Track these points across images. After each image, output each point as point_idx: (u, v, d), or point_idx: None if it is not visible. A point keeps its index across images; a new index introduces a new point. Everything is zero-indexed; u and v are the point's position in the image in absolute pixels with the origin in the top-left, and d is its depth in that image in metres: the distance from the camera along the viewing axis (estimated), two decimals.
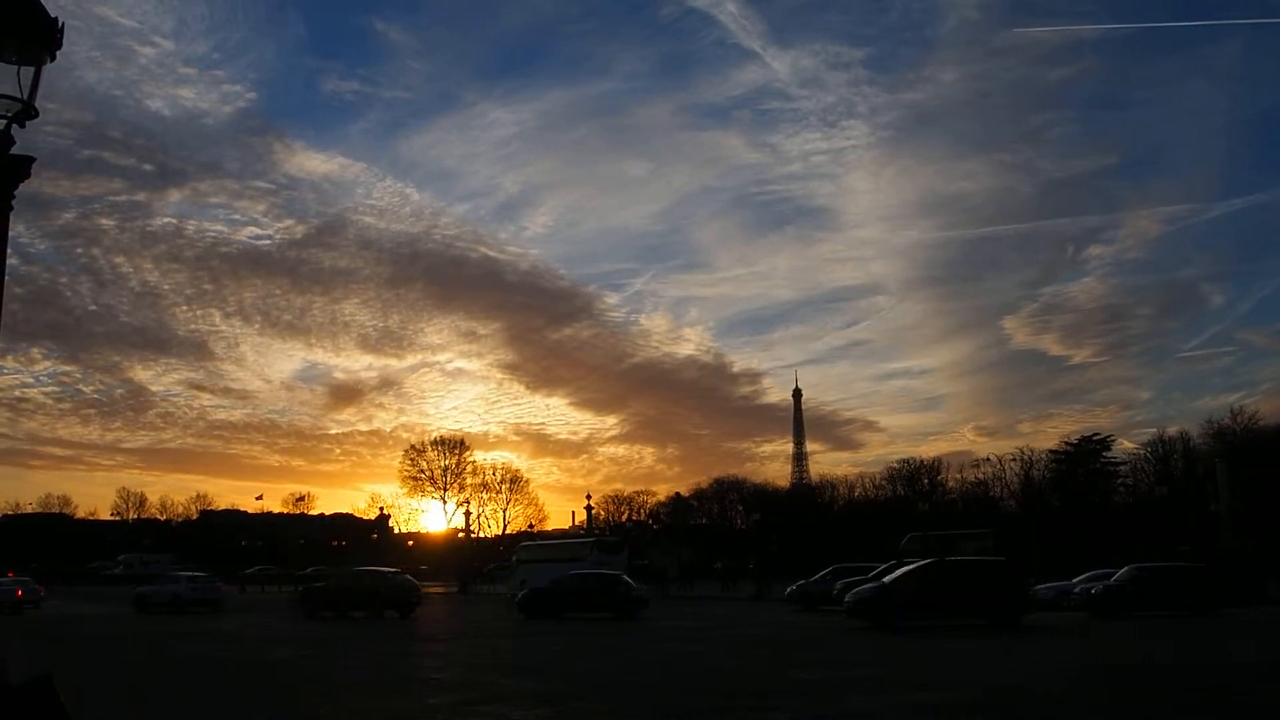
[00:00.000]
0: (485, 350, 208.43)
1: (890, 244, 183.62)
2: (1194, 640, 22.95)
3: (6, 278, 4.92)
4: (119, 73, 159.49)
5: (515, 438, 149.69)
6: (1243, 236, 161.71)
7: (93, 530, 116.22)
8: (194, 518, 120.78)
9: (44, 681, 4.57)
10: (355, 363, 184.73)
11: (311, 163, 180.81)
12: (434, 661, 19.92)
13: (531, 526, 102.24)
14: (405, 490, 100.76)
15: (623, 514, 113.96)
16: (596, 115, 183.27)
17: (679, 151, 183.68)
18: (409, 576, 37.78)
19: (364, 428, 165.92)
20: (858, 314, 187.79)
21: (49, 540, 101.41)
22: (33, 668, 4.61)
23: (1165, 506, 74.48)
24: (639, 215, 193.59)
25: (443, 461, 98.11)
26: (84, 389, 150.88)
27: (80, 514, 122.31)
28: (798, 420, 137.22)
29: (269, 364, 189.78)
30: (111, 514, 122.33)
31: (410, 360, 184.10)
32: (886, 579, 28.90)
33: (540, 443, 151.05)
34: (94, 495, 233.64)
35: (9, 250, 4.99)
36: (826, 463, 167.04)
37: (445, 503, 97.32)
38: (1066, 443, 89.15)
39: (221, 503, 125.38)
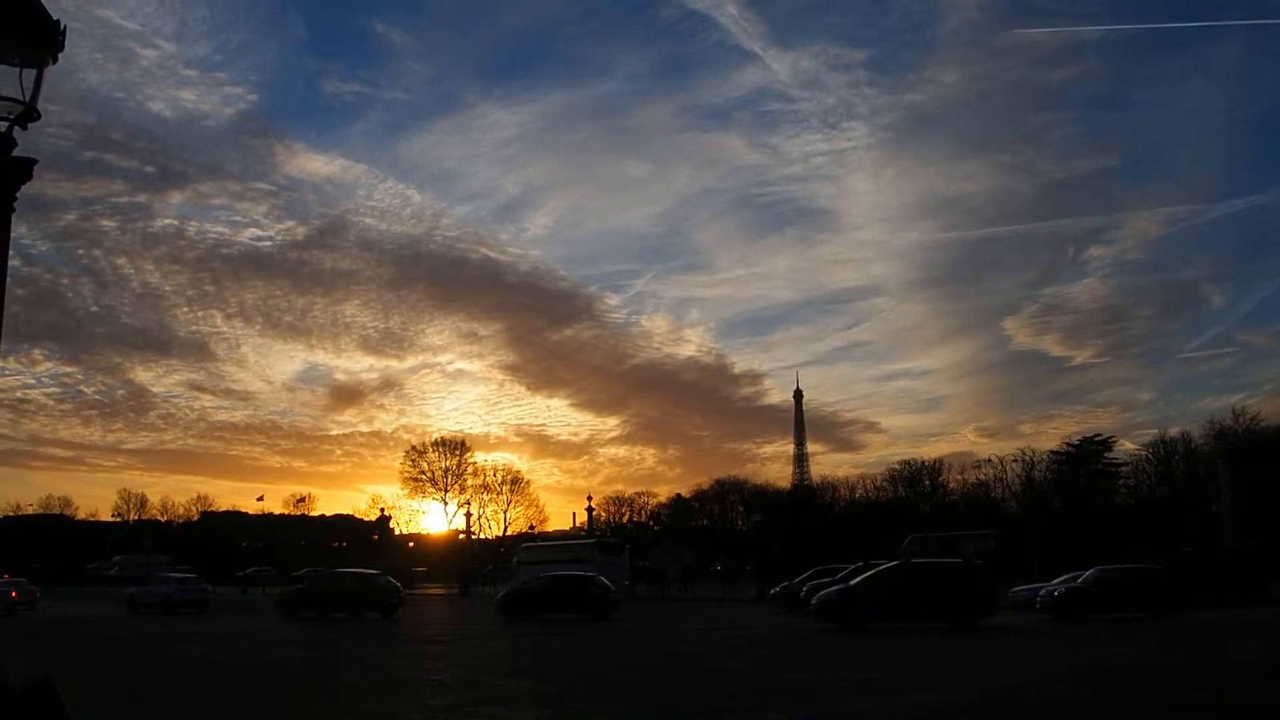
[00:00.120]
0: (486, 351, 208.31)
1: (891, 245, 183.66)
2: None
3: (8, 279, 4.93)
4: (121, 75, 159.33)
5: (516, 439, 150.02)
6: (1243, 237, 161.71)
7: (93, 531, 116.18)
8: (195, 519, 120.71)
9: (45, 683, 4.57)
10: (356, 364, 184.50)
11: (313, 164, 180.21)
12: (432, 662, 19.93)
13: (532, 528, 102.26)
14: (406, 491, 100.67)
15: (624, 515, 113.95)
16: (597, 117, 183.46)
17: (679, 153, 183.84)
18: (390, 578, 38.28)
19: (365, 429, 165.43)
20: (858, 315, 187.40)
21: (50, 541, 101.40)
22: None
23: (1167, 507, 74.47)
24: (640, 216, 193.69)
25: (443, 463, 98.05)
26: (85, 390, 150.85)
27: (81, 515, 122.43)
28: (799, 421, 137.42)
29: (270, 365, 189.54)
30: (112, 515, 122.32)
31: (411, 361, 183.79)
32: (852, 582, 28.98)
33: (541, 444, 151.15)
34: (95, 496, 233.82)
35: (11, 252, 5.00)
36: (827, 464, 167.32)
37: (446, 504, 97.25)
38: (1068, 444, 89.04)
39: (222, 504, 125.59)
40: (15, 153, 4.99)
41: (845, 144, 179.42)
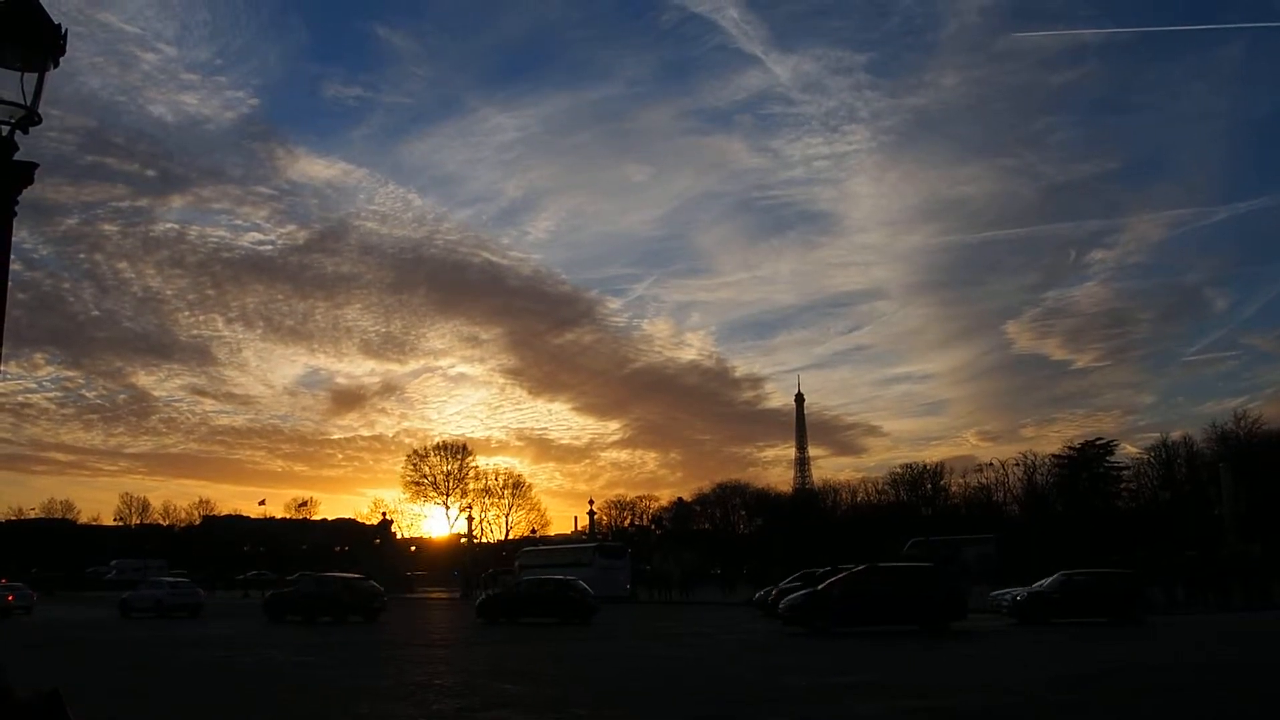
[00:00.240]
0: (487, 355, 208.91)
1: (892, 248, 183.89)
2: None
3: (9, 283, 4.93)
4: (122, 79, 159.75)
5: (518, 443, 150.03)
6: (1246, 240, 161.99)
7: (95, 536, 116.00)
8: (197, 523, 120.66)
9: (52, 695, 4.56)
10: (358, 368, 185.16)
11: (314, 168, 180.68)
12: (437, 666, 19.91)
13: (534, 531, 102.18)
14: (408, 495, 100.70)
15: (625, 519, 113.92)
16: (598, 120, 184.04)
17: (681, 156, 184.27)
18: (374, 583, 38.55)
19: (366, 433, 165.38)
20: (860, 319, 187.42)
21: (51, 546, 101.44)
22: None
23: (1168, 511, 74.48)
24: (641, 220, 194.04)
25: (445, 466, 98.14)
26: (87, 394, 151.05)
27: (83, 519, 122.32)
28: (800, 425, 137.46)
29: (271, 369, 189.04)
30: (114, 519, 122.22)
31: (412, 365, 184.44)
32: (821, 585, 28.93)
33: (542, 448, 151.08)
34: (97, 501, 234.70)
35: (12, 256, 5.00)
36: (829, 467, 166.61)
37: (448, 508, 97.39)
38: (1069, 447, 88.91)
39: (224, 508, 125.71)
40: (16, 157, 5.00)
41: (847, 147, 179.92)
